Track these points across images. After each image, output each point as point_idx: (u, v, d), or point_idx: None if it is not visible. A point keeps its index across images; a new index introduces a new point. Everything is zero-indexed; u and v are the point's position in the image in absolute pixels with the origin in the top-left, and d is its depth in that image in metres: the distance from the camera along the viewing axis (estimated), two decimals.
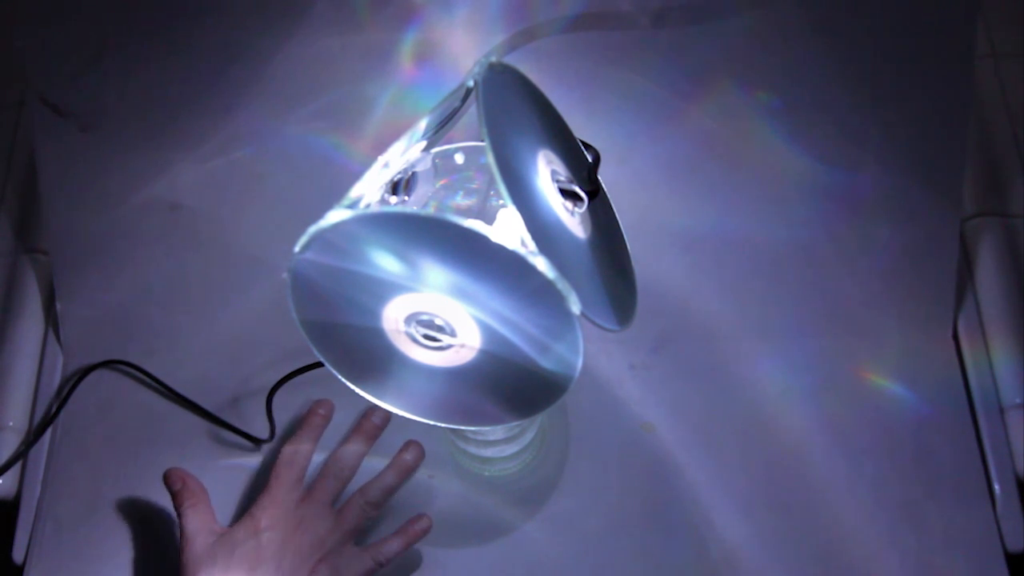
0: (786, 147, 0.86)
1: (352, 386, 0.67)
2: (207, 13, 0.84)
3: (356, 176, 0.63)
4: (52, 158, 0.86)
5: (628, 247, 0.71)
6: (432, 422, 0.67)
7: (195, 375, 0.85)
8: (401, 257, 0.59)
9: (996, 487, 0.79)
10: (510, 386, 0.65)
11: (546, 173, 0.64)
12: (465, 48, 0.86)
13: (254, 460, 0.82)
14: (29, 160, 0.91)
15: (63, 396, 0.84)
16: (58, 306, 0.87)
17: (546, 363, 0.62)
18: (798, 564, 0.77)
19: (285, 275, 0.61)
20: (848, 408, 0.82)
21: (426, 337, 0.63)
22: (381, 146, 0.64)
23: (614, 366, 0.84)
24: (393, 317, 0.62)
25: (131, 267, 0.88)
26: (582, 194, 0.65)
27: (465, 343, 0.62)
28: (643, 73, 0.86)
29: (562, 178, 0.65)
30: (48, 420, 0.83)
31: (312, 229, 0.58)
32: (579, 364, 0.61)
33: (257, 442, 0.82)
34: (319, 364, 0.67)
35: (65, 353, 0.87)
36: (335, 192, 0.61)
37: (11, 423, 0.82)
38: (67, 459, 0.83)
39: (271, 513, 0.73)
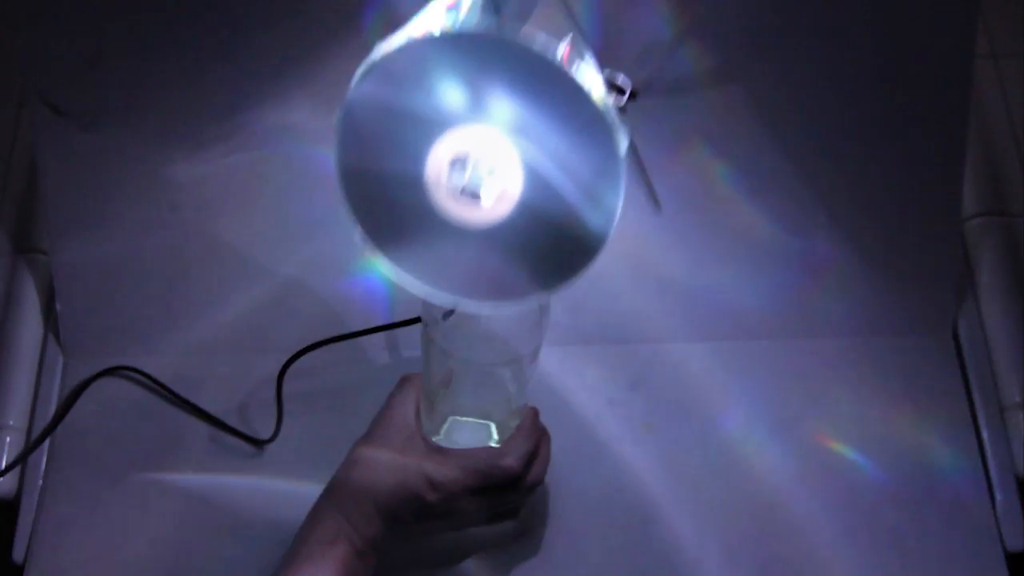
0: (787, 146, 0.86)
1: (376, 253, 0.64)
2: (208, 13, 0.84)
3: None
4: (52, 158, 0.85)
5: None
6: (452, 297, 0.64)
7: (195, 375, 0.85)
8: (461, 85, 0.58)
9: (996, 487, 0.79)
10: (540, 249, 0.62)
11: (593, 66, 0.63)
12: None
13: (255, 461, 0.82)
14: (29, 160, 0.91)
15: (64, 404, 0.82)
16: (58, 306, 0.87)
17: (586, 211, 0.60)
18: (796, 556, 0.77)
19: (338, 112, 0.60)
20: (846, 409, 0.82)
21: (465, 191, 0.61)
22: None
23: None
24: (438, 162, 0.60)
25: (131, 267, 0.88)
26: (627, 88, 0.64)
27: (507, 190, 0.60)
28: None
29: (607, 72, 0.64)
30: (49, 428, 0.81)
31: (369, 60, 0.57)
32: (619, 209, 0.59)
33: (258, 443, 0.82)
34: (315, 346, 0.65)
35: (65, 354, 0.87)
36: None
37: (11, 423, 0.82)
38: (67, 459, 0.83)
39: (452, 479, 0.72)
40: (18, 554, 0.79)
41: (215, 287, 0.88)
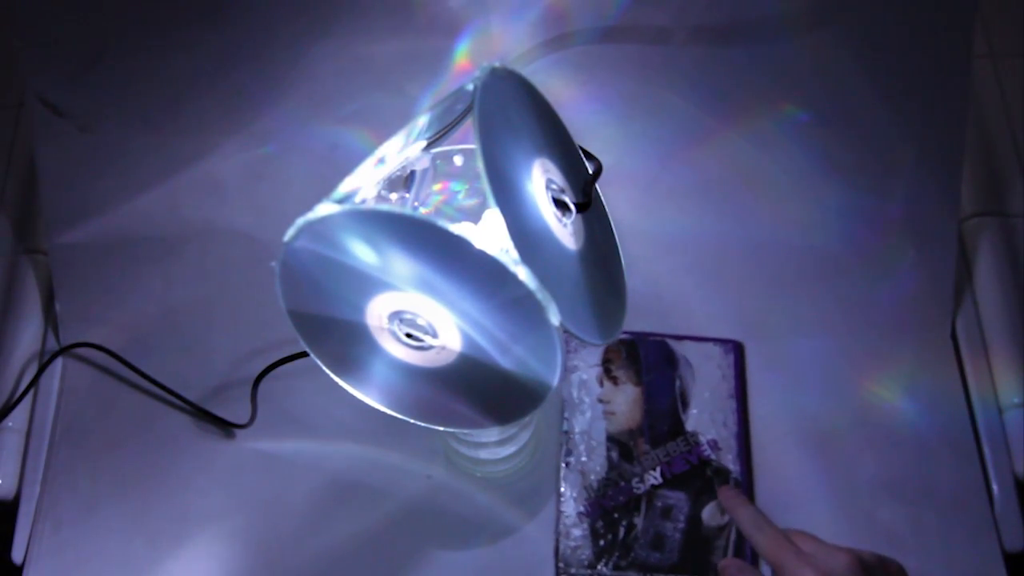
0: (797, 155, 0.86)
1: (336, 378, 0.67)
2: (206, 13, 0.84)
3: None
4: (52, 158, 0.86)
5: (623, 261, 0.71)
6: (411, 420, 0.67)
7: (194, 374, 0.85)
8: (386, 255, 0.59)
9: (994, 487, 0.79)
10: (488, 393, 0.65)
11: (541, 181, 0.64)
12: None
13: (257, 462, 0.82)
14: (29, 160, 0.92)
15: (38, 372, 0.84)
16: (57, 306, 0.87)
17: (523, 373, 0.62)
18: None
19: (273, 264, 0.61)
20: (846, 408, 0.82)
21: (408, 336, 0.63)
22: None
23: None
24: (377, 313, 0.62)
25: (130, 267, 0.88)
26: (571, 204, 0.65)
27: (446, 345, 0.62)
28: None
29: (555, 187, 0.65)
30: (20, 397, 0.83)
31: (300, 221, 0.59)
32: (557, 375, 0.61)
33: (235, 427, 0.82)
34: (304, 354, 0.67)
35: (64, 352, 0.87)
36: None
37: (11, 423, 0.83)
38: (67, 459, 0.83)
39: None
40: (17, 554, 0.80)
41: (212, 286, 0.88)
